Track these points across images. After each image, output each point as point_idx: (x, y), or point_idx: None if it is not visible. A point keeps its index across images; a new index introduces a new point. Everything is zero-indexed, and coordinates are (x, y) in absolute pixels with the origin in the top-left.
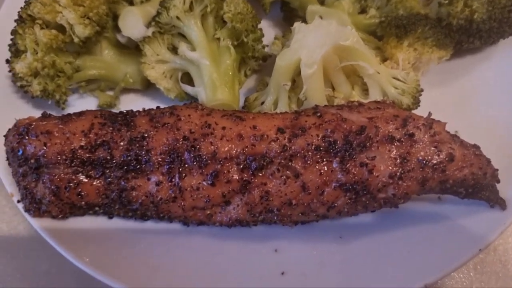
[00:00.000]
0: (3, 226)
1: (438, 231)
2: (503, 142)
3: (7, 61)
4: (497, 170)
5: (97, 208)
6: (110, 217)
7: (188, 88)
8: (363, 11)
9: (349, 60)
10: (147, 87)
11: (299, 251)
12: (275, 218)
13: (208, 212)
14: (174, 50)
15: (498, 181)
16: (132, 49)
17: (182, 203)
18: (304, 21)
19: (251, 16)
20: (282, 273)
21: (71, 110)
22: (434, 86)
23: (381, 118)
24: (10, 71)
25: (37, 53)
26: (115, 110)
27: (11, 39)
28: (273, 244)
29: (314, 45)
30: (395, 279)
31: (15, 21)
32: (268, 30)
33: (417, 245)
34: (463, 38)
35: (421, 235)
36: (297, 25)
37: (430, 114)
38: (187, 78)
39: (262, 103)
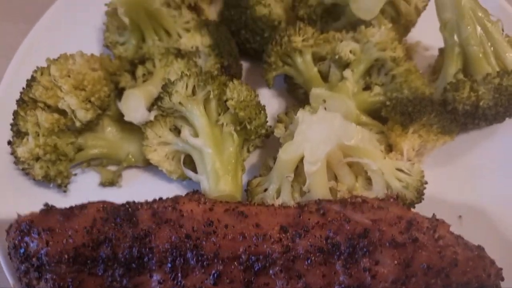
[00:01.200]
0: None
1: None
2: (508, 225)
3: (9, 143)
4: (501, 269)
5: None
6: None
7: (190, 174)
8: (367, 87)
9: (352, 157)
10: (149, 163)
11: None
12: None
13: None
14: (176, 130)
15: (503, 279)
16: (133, 124)
17: None
18: (307, 95)
19: (255, 103)
20: None
21: (72, 185)
22: (437, 165)
23: (384, 221)
24: (12, 153)
25: (38, 135)
26: (117, 187)
27: (13, 119)
28: None
29: (318, 141)
30: None
31: (17, 101)
32: (272, 100)
33: None
34: (469, 121)
35: None
36: (301, 114)
37: (434, 216)
38: (190, 158)
39: (265, 190)
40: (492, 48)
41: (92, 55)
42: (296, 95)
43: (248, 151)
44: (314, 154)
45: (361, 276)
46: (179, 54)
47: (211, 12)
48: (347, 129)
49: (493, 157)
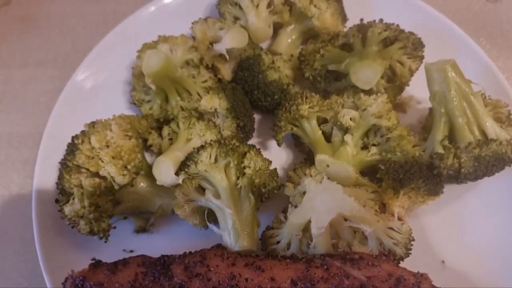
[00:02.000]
0: None
1: None
2: (489, 271)
3: (57, 201)
4: None
5: None
6: None
7: (214, 228)
8: (365, 147)
9: (351, 222)
10: None
11: None
12: None
13: None
14: (200, 188)
15: None
16: None
17: None
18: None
19: (268, 172)
20: None
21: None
22: (423, 213)
23: (377, 278)
24: (59, 210)
25: (82, 196)
26: (149, 233)
27: (58, 178)
28: None
29: (322, 210)
30: None
31: (61, 164)
32: (281, 151)
33: None
34: (453, 181)
35: None
36: (308, 182)
37: (418, 272)
38: (212, 210)
39: (278, 242)
40: (474, 118)
41: (124, 117)
42: (302, 149)
43: (262, 200)
44: (319, 222)
45: None
46: (200, 115)
47: (226, 70)
48: (347, 202)
49: (475, 205)
